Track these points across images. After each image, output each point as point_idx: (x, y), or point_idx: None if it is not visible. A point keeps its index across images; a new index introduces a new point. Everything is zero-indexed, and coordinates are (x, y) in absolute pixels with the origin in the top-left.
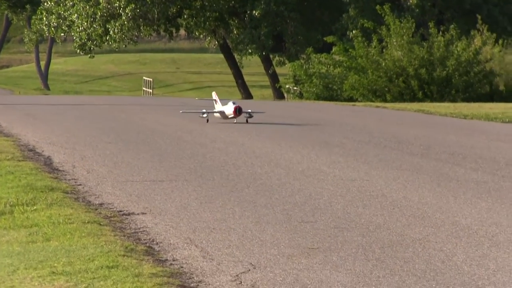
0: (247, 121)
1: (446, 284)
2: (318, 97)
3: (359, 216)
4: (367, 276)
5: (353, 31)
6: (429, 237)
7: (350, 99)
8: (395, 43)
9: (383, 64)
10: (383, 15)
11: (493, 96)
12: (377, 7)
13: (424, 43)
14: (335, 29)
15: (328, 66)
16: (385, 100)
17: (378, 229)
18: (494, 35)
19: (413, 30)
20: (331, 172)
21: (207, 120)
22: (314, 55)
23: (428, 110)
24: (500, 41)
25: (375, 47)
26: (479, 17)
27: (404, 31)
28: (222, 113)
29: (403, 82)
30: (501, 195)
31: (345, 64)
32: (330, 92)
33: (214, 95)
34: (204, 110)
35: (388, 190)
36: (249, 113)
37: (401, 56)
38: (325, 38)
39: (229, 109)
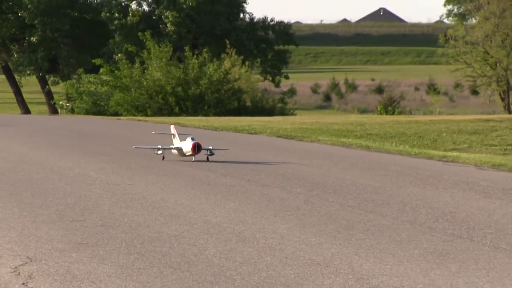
0: (207, 159)
1: (199, 275)
2: (88, 112)
3: (122, 216)
4: (130, 268)
5: (118, 55)
6: (184, 233)
7: (116, 114)
8: (155, 65)
9: (145, 83)
10: (144, 40)
11: (241, 110)
12: (139, 33)
13: (181, 65)
14: (103, 53)
15: (97, 85)
16: (146, 115)
17: (139, 226)
18: (242, 57)
19: (170, 53)
20: (98, 177)
21: (163, 157)
22: (84, 75)
23: (184, 123)
24: (247, 63)
25: (137, 68)
26: (228, 42)
27: (163, 54)
28: (179, 150)
29: (162, 98)
30: (247, 196)
31: (111, 83)
32: (98, 108)
33: (172, 128)
34: (160, 146)
35: (148, 192)
36: (210, 150)
37: (160, 76)
38: (93, 61)
39: (187, 146)
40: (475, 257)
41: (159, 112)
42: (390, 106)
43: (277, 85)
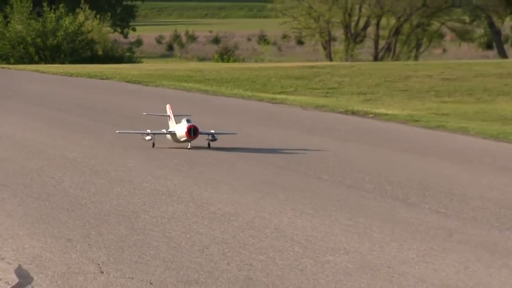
0: (209, 145)
1: (57, 203)
2: None
3: None
4: None
5: None
6: (44, 167)
7: None
8: (17, 19)
9: (7, 35)
10: None
11: (93, 59)
12: None
13: (40, 19)
14: None
15: None
16: (9, 63)
17: (3, 161)
18: (94, 12)
19: (31, 8)
20: None
21: (153, 145)
22: None
23: (43, 70)
24: (99, 16)
25: (1, 22)
26: None
27: (24, 9)
28: (173, 135)
29: (23, 48)
30: (100, 135)
31: None
32: None
33: (168, 109)
34: (149, 131)
35: (12, 132)
36: (212, 134)
37: (21, 29)
38: None
39: (181, 130)
40: (300, 186)
41: (21, 61)
42: (226, 55)
43: (126, 36)
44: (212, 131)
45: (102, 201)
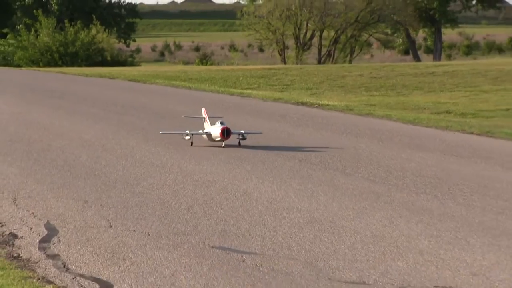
0: (239, 143)
1: (76, 173)
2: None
3: (24, 134)
4: (29, 169)
5: (20, 25)
6: (66, 146)
7: (18, 66)
8: (45, 32)
9: (37, 45)
10: (37, 16)
11: (103, 63)
12: (34, 11)
13: (62, 32)
14: (9, 24)
15: (5, 46)
16: (39, 66)
17: (35, 142)
18: (103, 27)
19: (55, 24)
20: (6, 108)
21: (191, 143)
22: None
23: (65, 72)
24: (107, 31)
25: (33, 35)
26: (94, 16)
27: (50, 25)
28: (208, 135)
29: (49, 55)
30: (108, 121)
31: (14, 45)
32: (6, 61)
33: (203, 112)
34: (188, 131)
35: (40, 118)
36: (242, 134)
37: (48, 40)
38: (3, 30)
39: (216, 131)
40: (263, 160)
41: (48, 64)
42: (204, 60)
43: (128, 45)
44: (242, 131)
45: (111, 172)
